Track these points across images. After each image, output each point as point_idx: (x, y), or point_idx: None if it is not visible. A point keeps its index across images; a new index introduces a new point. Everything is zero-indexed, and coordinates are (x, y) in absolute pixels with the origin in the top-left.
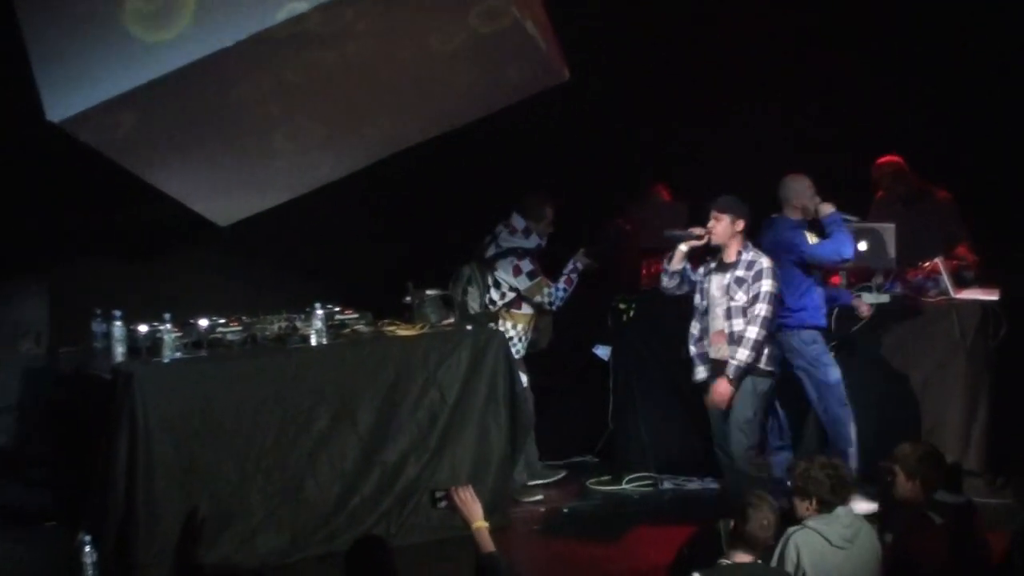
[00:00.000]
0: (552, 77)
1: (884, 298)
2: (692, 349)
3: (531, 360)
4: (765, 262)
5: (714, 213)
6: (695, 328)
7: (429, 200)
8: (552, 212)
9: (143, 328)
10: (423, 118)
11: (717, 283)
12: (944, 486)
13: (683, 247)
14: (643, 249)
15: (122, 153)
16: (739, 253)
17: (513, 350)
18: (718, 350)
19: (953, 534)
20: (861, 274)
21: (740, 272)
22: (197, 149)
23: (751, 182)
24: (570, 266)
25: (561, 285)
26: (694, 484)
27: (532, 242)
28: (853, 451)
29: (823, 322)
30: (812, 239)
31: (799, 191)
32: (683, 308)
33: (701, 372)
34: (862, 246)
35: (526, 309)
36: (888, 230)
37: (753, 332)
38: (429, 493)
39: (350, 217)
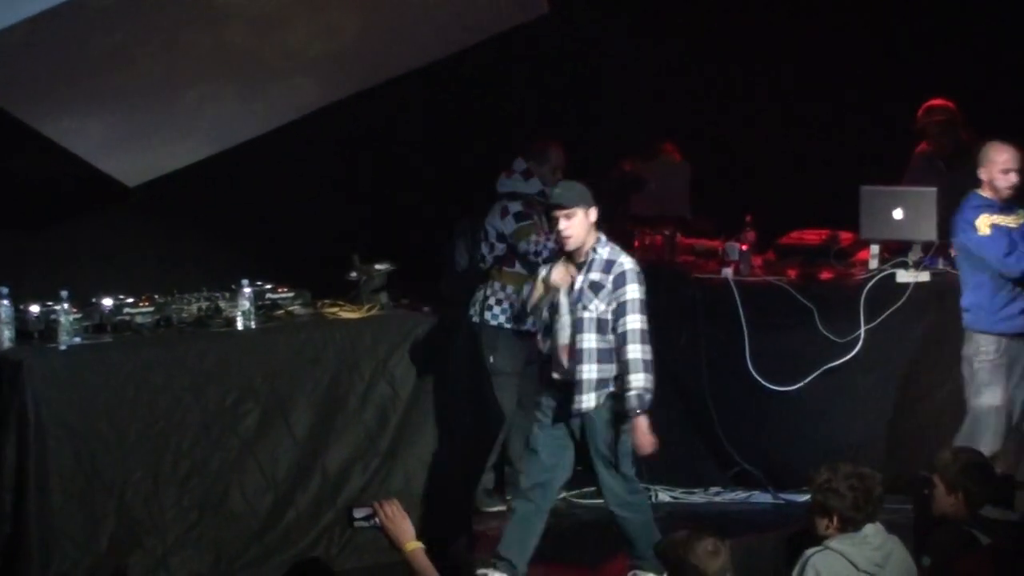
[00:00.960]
0: (529, 9)
1: (923, 276)
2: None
3: None
4: (627, 261)
5: (561, 213)
6: (540, 343)
7: (383, 155)
8: (559, 156)
9: (35, 308)
10: (376, 56)
11: (567, 288)
12: (992, 500)
13: (542, 282)
14: (636, 217)
15: (8, 97)
16: (593, 251)
17: (504, 317)
18: (566, 366)
19: (1003, 556)
20: (896, 247)
21: (595, 275)
22: (101, 95)
23: (776, 143)
24: None
25: (553, 237)
26: (696, 497)
27: (532, 187)
28: None
29: (997, 326)
30: (985, 228)
31: (986, 162)
32: (686, 289)
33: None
34: (897, 214)
35: (521, 268)
36: (928, 195)
37: (638, 351)
38: (346, 510)
39: (284, 176)
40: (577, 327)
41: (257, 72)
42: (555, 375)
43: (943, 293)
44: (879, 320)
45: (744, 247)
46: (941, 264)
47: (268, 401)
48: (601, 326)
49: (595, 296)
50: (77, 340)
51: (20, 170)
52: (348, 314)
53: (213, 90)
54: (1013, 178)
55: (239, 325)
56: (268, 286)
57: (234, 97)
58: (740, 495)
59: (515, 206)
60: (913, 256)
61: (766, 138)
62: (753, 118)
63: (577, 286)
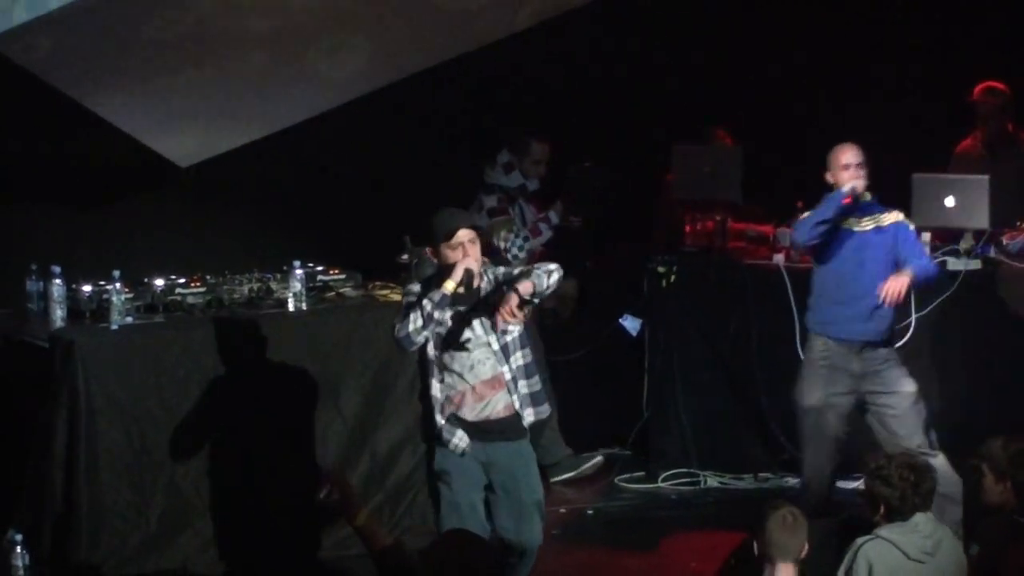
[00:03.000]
0: None
1: (974, 264)
2: (439, 419)
3: (549, 333)
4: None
5: (470, 236)
6: (437, 390)
7: (433, 137)
8: (542, 149)
9: (87, 288)
10: (434, 38)
11: (465, 320)
12: None
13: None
14: (687, 201)
15: (61, 76)
16: (486, 271)
17: None
18: (487, 404)
19: None
20: (948, 235)
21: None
22: (152, 74)
23: (828, 129)
24: (540, 215)
25: (523, 233)
26: (744, 483)
27: (513, 181)
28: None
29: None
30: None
31: (829, 162)
32: (737, 275)
33: (463, 439)
34: (949, 202)
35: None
36: (980, 183)
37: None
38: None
39: (336, 157)
40: (505, 353)
41: (309, 54)
42: (475, 415)
43: (995, 281)
44: (930, 308)
45: None
46: (993, 252)
47: (318, 383)
48: (523, 341)
49: None
50: (128, 320)
51: (73, 149)
52: (400, 297)
53: (266, 72)
54: (849, 172)
55: (290, 306)
56: (319, 267)
57: (287, 79)
58: (789, 481)
59: (490, 200)
60: (964, 244)
61: (818, 124)
62: (805, 104)
63: (483, 315)
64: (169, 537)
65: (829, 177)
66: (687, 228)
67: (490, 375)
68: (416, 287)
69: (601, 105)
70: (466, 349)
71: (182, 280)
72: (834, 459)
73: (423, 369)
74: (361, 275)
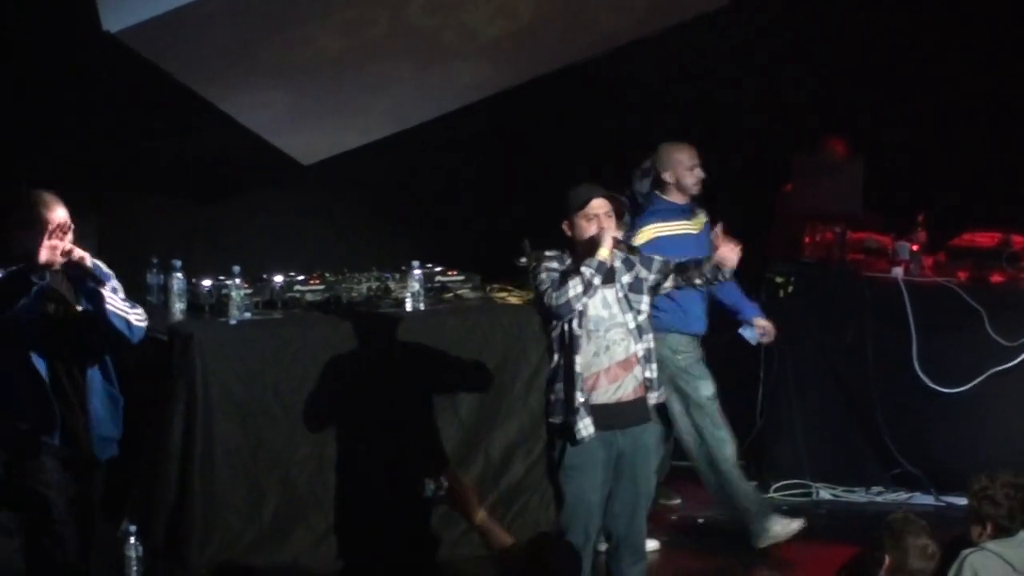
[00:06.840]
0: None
1: None
2: (579, 398)
3: None
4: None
5: (605, 208)
6: (577, 366)
7: (556, 142)
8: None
9: (207, 282)
10: (555, 41)
11: (603, 299)
12: None
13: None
14: (807, 212)
15: (189, 73)
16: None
17: None
18: (620, 386)
19: None
20: None
21: (626, 277)
22: (279, 73)
23: (950, 144)
24: None
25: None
26: (857, 496)
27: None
28: None
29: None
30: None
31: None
32: (855, 287)
33: (590, 426)
34: None
35: None
36: None
37: None
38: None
39: (458, 159)
40: (639, 332)
41: (434, 53)
42: (602, 397)
43: None
44: None
45: (915, 247)
46: None
47: (434, 383)
48: (649, 327)
49: (643, 294)
50: (247, 315)
51: (197, 145)
52: (517, 299)
53: (390, 70)
54: (699, 173)
55: (408, 306)
56: (438, 268)
57: (411, 78)
58: (902, 496)
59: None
60: None
61: (941, 138)
62: (929, 118)
63: (620, 294)
64: (282, 533)
65: (669, 177)
66: (806, 239)
67: (623, 356)
68: (553, 263)
69: (713, 112)
70: (603, 329)
71: (301, 277)
72: None
73: (561, 347)
74: (479, 277)
